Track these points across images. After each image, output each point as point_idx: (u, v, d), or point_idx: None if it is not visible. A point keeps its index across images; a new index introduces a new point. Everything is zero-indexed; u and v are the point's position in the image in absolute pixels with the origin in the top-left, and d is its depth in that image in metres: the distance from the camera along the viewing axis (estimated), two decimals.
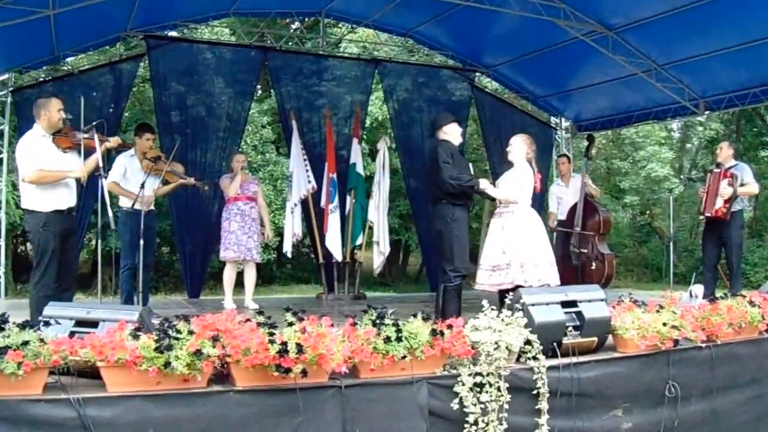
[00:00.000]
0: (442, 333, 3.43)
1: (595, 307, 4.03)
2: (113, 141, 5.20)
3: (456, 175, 5.24)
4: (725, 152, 6.86)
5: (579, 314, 3.96)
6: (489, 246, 5.48)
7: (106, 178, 4.94)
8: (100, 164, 4.86)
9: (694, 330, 4.13)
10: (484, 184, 5.39)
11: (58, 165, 4.71)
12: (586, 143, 8.11)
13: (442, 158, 5.27)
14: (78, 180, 4.83)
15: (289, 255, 8.48)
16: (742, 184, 6.58)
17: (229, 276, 6.85)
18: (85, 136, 4.80)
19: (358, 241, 8.38)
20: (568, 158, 8.26)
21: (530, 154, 5.59)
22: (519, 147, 5.59)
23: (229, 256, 6.70)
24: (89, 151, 4.90)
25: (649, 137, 15.46)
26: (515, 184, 5.45)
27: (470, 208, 5.72)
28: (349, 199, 8.42)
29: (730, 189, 6.54)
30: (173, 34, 8.83)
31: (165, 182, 6.46)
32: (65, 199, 4.72)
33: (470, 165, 5.63)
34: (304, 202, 8.10)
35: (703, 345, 4.18)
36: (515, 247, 5.29)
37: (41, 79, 8.09)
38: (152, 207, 6.29)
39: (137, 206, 5.73)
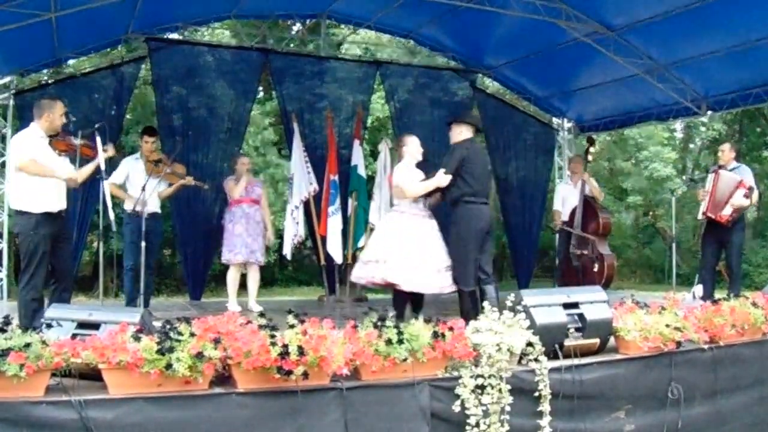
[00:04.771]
0: (443, 335, 3.43)
1: (596, 308, 4.02)
2: (110, 151, 5.15)
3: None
4: (727, 155, 6.82)
5: (581, 316, 3.96)
6: None
7: (107, 180, 4.94)
8: (102, 167, 4.87)
9: (696, 331, 4.12)
10: None
11: (52, 165, 4.70)
12: (586, 145, 8.10)
13: None
14: (73, 185, 4.82)
15: (289, 257, 8.48)
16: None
17: (233, 278, 6.85)
18: (82, 142, 4.80)
19: (360, 243, 8.37)
20: (581, 159, 8.22)
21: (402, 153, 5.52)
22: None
23: (237, 260, 6.69)
24: (83, 158, 4.90)
25: (652, 137, 15.44)
26: None
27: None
28: (350, 201, 8.41)
29: (747, 201, 6.52)
30: (174, 36, 8.83)
31: (168, 184, 6.50)
32: (56, 201, 4.70)
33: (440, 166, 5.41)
34: (305, 204, 8.10)
35: (706, 347, 4.17)
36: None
37: (43, 82, 8.10)
38: (157, 209, 6.31)
39: (138, 208, 5.75)
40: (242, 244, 6.65)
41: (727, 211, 6.47)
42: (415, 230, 5.21)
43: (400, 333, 3.35)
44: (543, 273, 15.26)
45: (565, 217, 7.94)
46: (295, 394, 3.08)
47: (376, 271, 5.17)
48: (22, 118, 7.60)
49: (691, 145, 18.98)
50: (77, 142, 4.79)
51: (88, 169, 4.92)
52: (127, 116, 11.03)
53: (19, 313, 4.51)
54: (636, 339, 3.93)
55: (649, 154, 15.29)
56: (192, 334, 3.02)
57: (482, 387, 3.42)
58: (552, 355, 3.72)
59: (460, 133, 5.46)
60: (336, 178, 8.23)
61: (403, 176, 5.31)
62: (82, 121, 5.00)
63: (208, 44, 9.33)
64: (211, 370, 3.00)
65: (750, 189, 6.50)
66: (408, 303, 5.36)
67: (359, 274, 5.38)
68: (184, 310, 7.09)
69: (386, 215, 5.45)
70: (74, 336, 3.15)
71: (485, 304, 3.78)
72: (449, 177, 5.18)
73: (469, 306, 5.04)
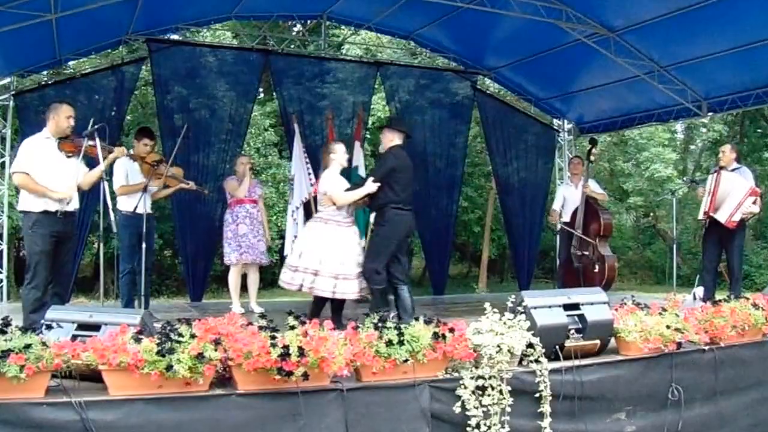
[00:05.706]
0: (444, 336, 3.42)
1: (597, 309, 4.02)
2: (118, 151, 5.20)
3: None
4: (728, 156, 6.80)
5: (581, 317, 3.96)
6: None
7: (107, 182, 4.93)
8: (102, 168, 4.88)
9: (697, 333, 4.12)
10: None
11: (54, 171, 4.71)
12: (588, 146, 8.10)
13: None
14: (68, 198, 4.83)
15: None
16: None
17: (235, 280, 6.81)
18: (90, 143, 4.81)
19: (362, 244, 8.35)
20: (581, 160, 8.22)
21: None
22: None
23: (245, 260, 6.62)
24: (91, 158, 4.92)
25: (653, 138, 15.45)
26: None
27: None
28: None
29: (757, 209, 6.57)
30: (175, 37, 8.83)
31: (165, 186, 6.49)
32: (56, 201, 4.70)
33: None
34: (306, 206, 8.09)
35: (707, 348, 4.17)
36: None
37: (43, 83, 8.11)
38: (150, 210, 6.31)
39: (139, 210, 5.74)
40: (248, 244, 6.60)
41: (736, 218, 6.47)
42: (336, 239, 5.38)
43: (400, 334, 3.35)
44: (543, 274, 15.27)
45: (567, 218, 7.94)
46: (296, 396, 3.08)
47: (305, 281, 5.37)
48: (22, 119, 7.61)
49: (692, 147, 18.99)
50: (84, 143, 4.80)
51: (94, 175, 4.93)
52: (128, 117, 11.06)
53: (24, 313, 4.52)
54: (636, 340, 3.92)
55: (650, 156, 15.28)
56: (192, 336, 3.02)
57: (483, 388, 3.42)
58: (552, 356, 3.72)
59: (392, 140, 5.53)
60: None
61: (333, 185, 5.40)
62: (83, 122, 4.98)
63: (208, 45, 9.34)
64: (212, 372, 3.00)
65: (760, 196, 6.56)
66: (323, 307, 5.64)
67: (287, 280, 5.48)
68: (185, 311, 7.09)
69: (310, 222, 5.63)
70: (74, 337, 3.15)
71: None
72: (377, 185, 5.28)
73: (379, 303, 5.26)
